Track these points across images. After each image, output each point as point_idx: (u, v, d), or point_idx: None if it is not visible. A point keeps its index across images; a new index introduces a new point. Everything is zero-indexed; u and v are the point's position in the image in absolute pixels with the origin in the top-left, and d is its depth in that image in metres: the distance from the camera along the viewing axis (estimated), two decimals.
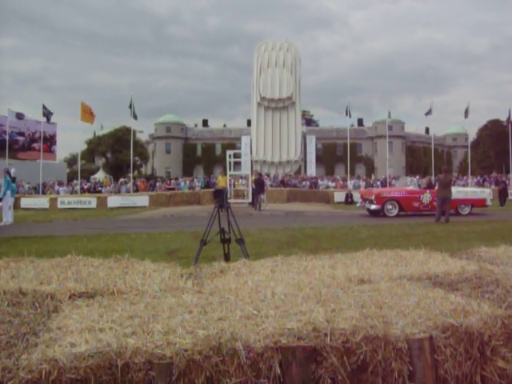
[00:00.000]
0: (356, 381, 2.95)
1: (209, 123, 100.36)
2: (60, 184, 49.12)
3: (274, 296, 3.90)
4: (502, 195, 32.96)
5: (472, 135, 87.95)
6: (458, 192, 22.95)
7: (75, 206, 36.55)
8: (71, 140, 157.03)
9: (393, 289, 4.11)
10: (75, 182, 49.46)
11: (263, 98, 71.20)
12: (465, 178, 53.73)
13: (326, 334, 2.97)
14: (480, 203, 23.47)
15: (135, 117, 43.10)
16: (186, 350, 2.79)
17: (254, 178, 32.26)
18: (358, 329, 3.03)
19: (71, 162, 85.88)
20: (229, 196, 28.18)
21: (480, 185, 44.47)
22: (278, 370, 2.83)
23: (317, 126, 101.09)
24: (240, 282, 4.61)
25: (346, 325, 3.09)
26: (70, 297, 4.07)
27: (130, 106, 42.31)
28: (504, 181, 38.61)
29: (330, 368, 2.90)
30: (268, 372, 2.84)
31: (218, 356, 2.80)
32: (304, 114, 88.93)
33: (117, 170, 69.44)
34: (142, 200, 37.90)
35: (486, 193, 24.68)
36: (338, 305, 3.58)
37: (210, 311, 3.49)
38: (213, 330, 3.00)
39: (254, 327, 3.07)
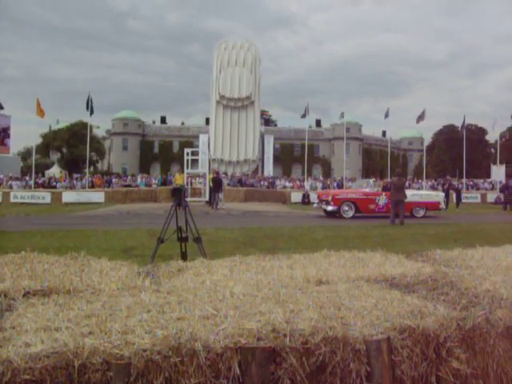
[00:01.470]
0: (315, 381, 2.96)
1: (167, 120, 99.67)
2: (13, 178, 48.11)
3: (233, 296, 3.89)
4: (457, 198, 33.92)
5: (427, 139, 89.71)
6: (412, 195, 23.32)
7: (29, 201, 35.83)
8: (26, 133, 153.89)
9: (351, 290, 4.14)
10: (29, 176, 48.54)
11: (222, 97, 71.14)
12: (419, 181, 54.68)
13: (285, 335, 2.98)
14: (434, 206, 23.91)
15: (92, 111, 42.45)
16: (145, 350, 2.76)
17: (211, 176, 32.19)
18: (317, 330, 3.04)
19: (25, 155, 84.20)
20: (186, 194, 28.06)
21: (435, 188, 45.27)
22: (238, 371, 2.82)
23: (275, 126, 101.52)
24: (198, 282, 4.58)
25: (305, 326, 3.09)
26: (24, 295, 3.97)
27: (88, 103, 41.66)
28: (449, 182, 39.43)
29: (289, 369, 2.90)
30: (227, 372, 2.82)
31: (177, 356, 2.77)
32: (263, 113, 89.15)
33: (72, 166, 68.36)
34: (98, 196, 37.40)
35: (440, 196, 25.17)
36: (296, 305, 3.58)
37: (168, 311, 3.45)
38: (172, 329, 2.97)
39: (214, 327, 3.05)
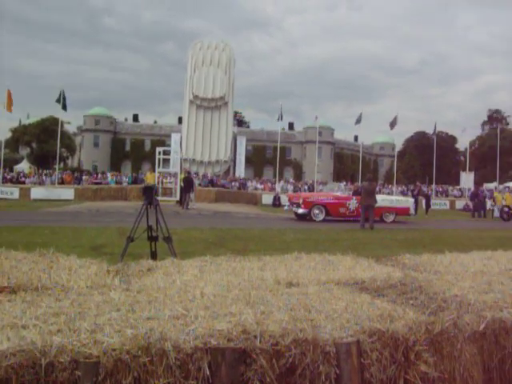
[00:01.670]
0: (284, 383, 2.96)
1: (139, 118, 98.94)
2: None
3: (203, 296, 3.87)
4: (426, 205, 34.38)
5: (399, 145, 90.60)
6: (382, 200, 23.52)
7: None
8: None
9: (321, 293, 4.16)
10: None
11: (196, 97, 70.88)
12: (390, 186, 55.17)
13: (255, 336, 2.97)
14: (404, 212, 24.13)
15: (65, 108, 41.97)
16: (114, 350, 2.73)
17: (182, 176, 32.07)
18: (287, 332, 3.04)
19: None
20: (157, 193, 27.91)
21: (405, 194, 45.74)
22: (207, 371, 2.81)
23: (248, 127, 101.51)
24: (168, 281, 4.56)
25: (275, 327, 3.09)
26: None
27: (59, 98, 41.14)
28: (418, 188, 39.93)
29: (259, 370, 2.90)
30: (197, 373, 2.81)
31: (147, 356, 2.75)
32: (236, 114, 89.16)
33: (42, 161, 67.47)
34: (67, 193, 37.00)
35: (410, 202, 25.42)
36: (267, 307, 3.58)
37: (138, 310, 3.43)
38: (141, 329, 2.95)
39: (184, 327, 3.04)
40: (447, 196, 53.80)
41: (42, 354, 2.64)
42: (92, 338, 2.82)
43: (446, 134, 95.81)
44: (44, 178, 47.46)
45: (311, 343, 3.01)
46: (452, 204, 45.61)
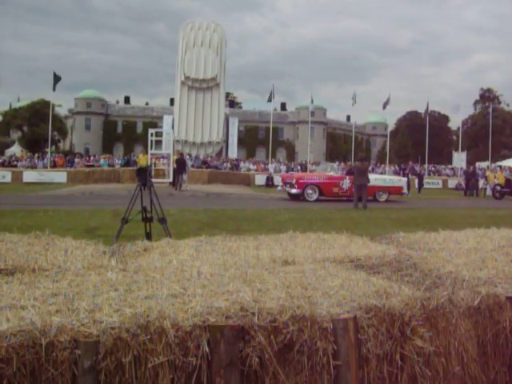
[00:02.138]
0: (282, 359, 2.99)
1: (131, 100, 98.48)
2: None
3: (200, 275, 3.89)
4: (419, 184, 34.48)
5: (391, 125, 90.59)
6: (376, 179, 23.61)
7: None
8: None
9: (317, 270, 4.18)
10: None
11: (187, 78, 70.68)
12: (382, 166, 55.28)
13: (253, 314, 2.99)
14: (397, 191, 24.23)
15: (56, 84, 41.64)
16: (113, 328, 2.74)
17: (175, 157, 32.02)
18: (284, 309, 3.07)
19: None
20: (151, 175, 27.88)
21: (398, 173, 45.87)
22: (207, 349, 2.83)
23: (240, 108, 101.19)
24: (165, 261, 4.58)
25: (272, 304, 3.12)
26: None
27: (55, 80, 40.87)
28: (410, 167, 40.02)
29: (257, 347, 2.92)
30: (196, 350, 2.83)
31: (146, 334, 2.76)
32: (228, 95, 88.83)
33: (33, 145, 67.15)
34: (60, 176, 36.96)
35: (403, 181, 25.52)
36: (264, 285, 3.61)
37: (135, 289, 3.44)
38: (140, 308, 2.96)
39: (182, 306, 3.05)
40: (440, 175, 53.97)
41: (42, 333, 2.65)
42: (91, 318, 2.83)
43: (439, 113, 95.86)
44: (36, 161, 47.29)
45: (309, 320, 3.04)
46: (444, 183, 45.83)
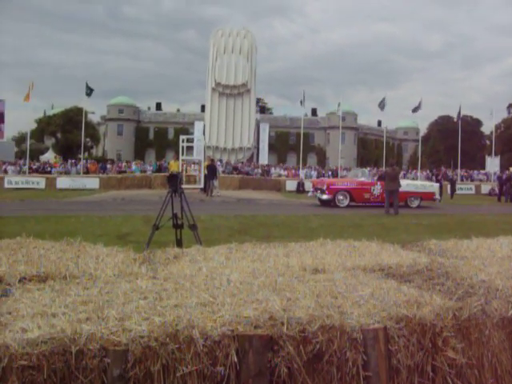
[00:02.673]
0: (311, 370, 2.97)
1: (162, 107, 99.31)
2: (9, 163, 47.93)
3: (230, 283, 3.89)
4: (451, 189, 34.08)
5: (423, 130, 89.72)
6: (407, 185, 23.38)
7: (23, 186, 35.75)
8: (20, 118, 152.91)
9: (347, 279, 4.15)
10: (22, 161, 48.38)
11: (218, 84, 71.01)
12: (414, 171, 54.72)
13: (282, 323, 2.98)
14: (429, 196, 23.95)
15: (89, 93, 42.26)
16: (142, 337, 2.75)
17: (206, 163, 32.13)
18: (314, 318, 3.05)
19: (20, 140, 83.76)
20: (182, 181, 28.04)
21: (430, 179, 45.34)
22: (235, 358, 2.83)
23: (271, 114, 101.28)
24: (195, 269, 4.58)
25: (302, 314, 3.10)
26: (20, 280, 3.96)
27: (87, 89, 41.50)
28: (442, 173, 39.47)
29: (286, 357, 2.90)
30: (224, 360, 2.83)
31: (175, 343, 2.77)
32: (258, 101, 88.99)
33: (67, 151, 68.13)
34: (93, 182, 37.35)
35: (435, 187, 25.22)
36: (293, 294, 3.59)
37: (165, 297, 3.45)
38: (169, 316, 2.97)
39: (211, 315, 3.05)
40: (472, 180, 53.19)
41: (72, 341, 2.67)
42: (120, 326, 2.85)
43: (471, 117, 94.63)
44: (69, 167, 47.91)
45: (338, 330, 3.01)
46: (477, 188, 45.10)
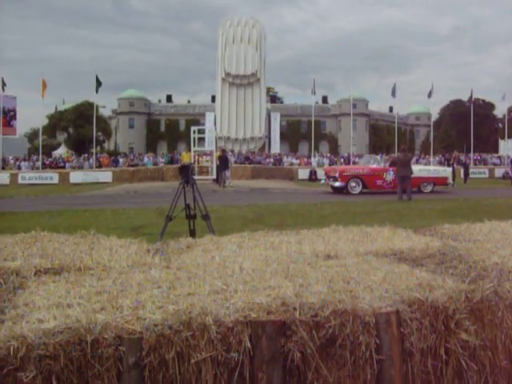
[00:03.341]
0: (324, 354, 2.99)
1: (172, 99, 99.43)
2: (22, 159, 48.26)
3: (242, 271, 3.91)
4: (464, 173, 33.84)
5: (434, 115, 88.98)
6: (420, 170, 23.30)
7: (37, 182, 36.03)
8: (32, 114, 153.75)
9: (359, 264, 4.16)
10: (36, 157, 48.69)
11: (228, 74, 70.92)
12: (427, 156, 54.43)
13: (295, 308, 3.00)
14: (442, 181, 23.85)
15: (97, 90, 42.40)
16: (156, 325, 2.79)
17: (218, 154, 32.18)
18: (326, 303, 3.06)
19: (32, 137, 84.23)
20: (194, 172, 28.09)
21: (442, 164, 45.09)
22: (248, 344, 2.85)
23: (281, 102, 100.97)
24: (207, 258, 4.61)
25: (314, 299, 3.11)
26: (35, 273, 4.00)
27: (97, 83, 41.61)
28: (455, 157, 39.10)
29: (299, 341, 2.93)
30: (238, 346, 2.85)
31: (188, 331, 2.80)
32: (269, 90, 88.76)
33: (79, 146, 68.45)
34: (105, 176, 37.53)
35: (448, 171, 25.10)
36: (305, 280, 3.60)
37: (178, 286, 3.48)
38: (182, 304, 3.00)
39: (224, 302, 3.08)
40: (486, 164, 52.83)
41: (87, 331, 2.71)
42: (135, 315, 2.88)
43: (483, 101, 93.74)
44: (82, 161, 48.16)
45: (351, 314, 3.03)
46: (491, 172, 44.82)
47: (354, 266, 4.06)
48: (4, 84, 42.44)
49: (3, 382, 2.61)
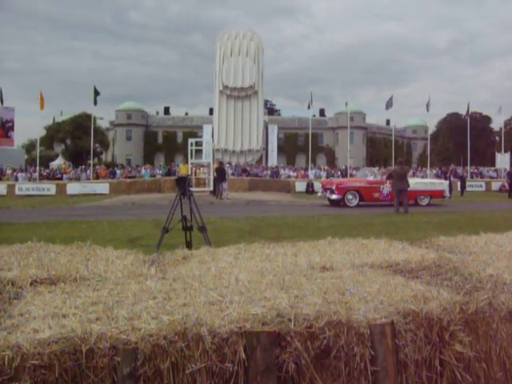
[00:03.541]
0: (319, 365, 3.00)
1: (170, 111, 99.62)
2: (19, 170, 48.25)
3: (238, 282, 3.92)
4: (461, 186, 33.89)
5: (431, 128, 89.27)
6: (416, 183, 23.34)
7: (34, 193, 36.00)
8: (30, 125, 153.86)
9: (355, 276, 4.17)
10: (33, 168, 48.70)
11: (226, 87, 71.01)
12: (424, 169, 54.53)
13: (289, 320, 3.01)
14: (438, 194, 23.90)
15: (95, 102, 42.50)
16: (151, 335, 2.79)
17: (215, 166, 32.21)
18: (321, 314, 3.07)
19: (29, 148, 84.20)
20: (191, 184, 28.11)
21: (439, 177, 45.18)
22: (243, 355, 2.86)
23: (279, 115, 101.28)
24: (203, 269, 4.62)
25: (309, 310, 3.13)
26: (31, 283, 4.01)
27: (95, 94, 41.70)
28: (451, 170, 39.16)
29: (293, 352, 2.93)
30: (233, 356, 2.86)
31: (183, 341, 2.81)
32: (266, 103, 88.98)
33: (76, 157, 68.50)
34: (103, 187, 37.53)
35: (444, 184, 25.15)
36: (301, 291, 3.62)
37: (174, 297, 3.49)
38: (177, 315, 3.01)
39: (219, 313, 3.09)
40: (483, 177, 52.94)
41: (83, 341, 2.72)
42: (130, 325, 2.89)
43: (480, 114, 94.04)
44: (79, 173, 48.16)
45: (345, 325, 3.04)
46: (488, 185, 44.91)
47: (350, 278, 4.08)
48: (2, 96, 42.52)
49: None
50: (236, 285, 3.84)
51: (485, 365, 3.35)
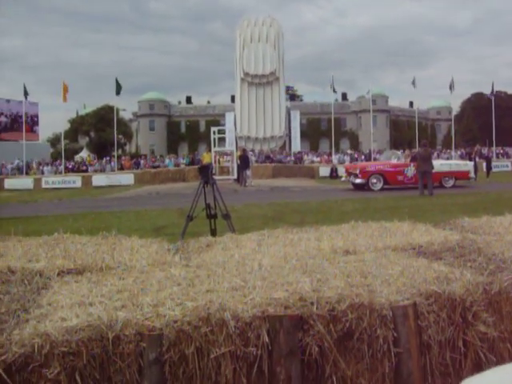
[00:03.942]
0: (342, 347, 3.02)
1: (192, 100, 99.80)
2: (45, 164, 48.82)
3: (261, 268, 3.95)
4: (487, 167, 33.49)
5: (455, 109, 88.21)
6: (441, 165, 23.15)
7: (60, 186, 36.47)
8: (54, 119, 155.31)
9: (377, 259, 4.18)
10: (58, 161, 49.22)
11: (247, 74, 70.82)
12: (448, 151, 53.99)
13: (312, 303, 3.03)
14: (463, 176, 23.66)
15: (118, 93, 42.74)
16: (176, 321, 2.84)
17: (238, 154, 32.24)
18: (343, 297, 3.09)
19: (54, 141, 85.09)
20: (214, 172, 28.15)
21: (464, 158, 44.69)
22: (266, 339, 2.90)
23: (301, 100, 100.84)
24: (227, 256, 4.66)
25: (331, 293, 3.15)
26: (58, 274, 4.08)
27: (117, 87, 41.93)
28: (476, 151, 38.64)
29: (316, 336, 2.96)
30: (256, 340, 2.90)
31: (207, 326, 2.85)
32: (288, 89, 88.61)
33: (100, 149, 69.04)
34: (127, 178, 37.87)
35: (469, 166, 24.88)
36: (323, 275, 3.63)
37: (197, 284, 3.53)
38: (201, 301, 3.05)
39: (242, 298, 3.12)
40: (509, 157, 52.25)
41: (109, 328, 2.78)
42: (155, 312, 2.94)
43: (505, 93, 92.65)
44: (104, 165, 48.58)
45: (368, 307, 3.06)
46: None
47: (372, 261, 4.08)
48: (26, 93, 42.96)
49: (29, 378, 2.68)
50: (259, 270, 3.87)
51: (509, 345, 3.34)
